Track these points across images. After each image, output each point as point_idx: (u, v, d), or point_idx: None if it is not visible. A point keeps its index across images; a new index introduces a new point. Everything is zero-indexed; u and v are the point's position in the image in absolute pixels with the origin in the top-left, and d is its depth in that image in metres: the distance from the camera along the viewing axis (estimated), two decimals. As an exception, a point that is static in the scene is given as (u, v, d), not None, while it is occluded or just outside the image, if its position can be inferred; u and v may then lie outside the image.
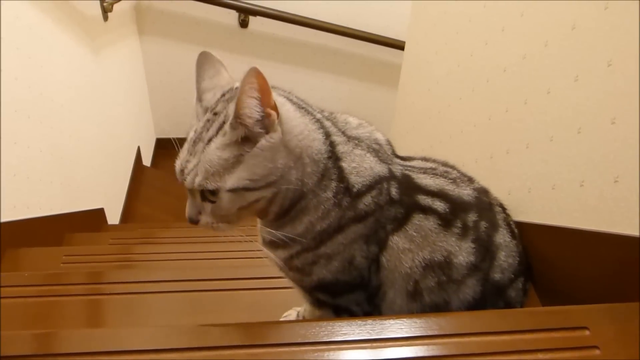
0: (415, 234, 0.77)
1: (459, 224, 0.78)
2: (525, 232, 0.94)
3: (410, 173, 0.81)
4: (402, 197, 0.77)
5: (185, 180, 0.70)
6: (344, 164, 0.74)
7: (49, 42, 1.74)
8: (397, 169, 0.80)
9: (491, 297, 0.82)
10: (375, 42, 3.07)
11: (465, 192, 0.82)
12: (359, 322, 0.71)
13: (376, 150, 0.79)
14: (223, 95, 0.72)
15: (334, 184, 0.73)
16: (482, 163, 1.26)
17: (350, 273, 0.77)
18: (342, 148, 0.75)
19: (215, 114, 0.70)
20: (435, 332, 0.69)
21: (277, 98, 0.70)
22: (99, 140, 2.23)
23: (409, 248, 0.76)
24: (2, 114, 1.38)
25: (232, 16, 2.87)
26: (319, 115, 0.76)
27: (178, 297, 1.10)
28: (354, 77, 3.34)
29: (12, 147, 1.44)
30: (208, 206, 0.72)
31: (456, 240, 0.78)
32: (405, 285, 0.78)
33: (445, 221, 0.78)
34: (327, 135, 0.74)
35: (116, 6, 2.34)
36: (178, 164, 0.71)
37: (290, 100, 0.74)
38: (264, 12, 2.86)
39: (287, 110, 0.71)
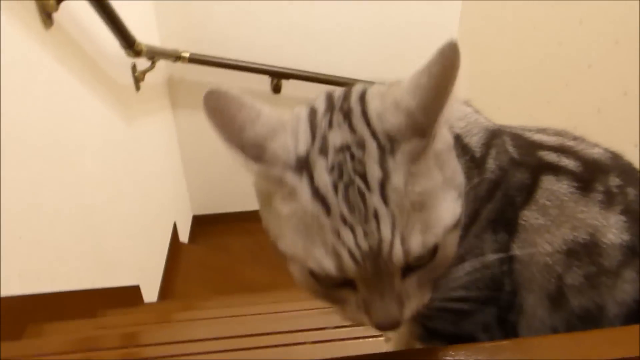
0: (548, 202, 0.56)
1: (600, 188, 0.57)
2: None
3: (516, 131, 0.62)
4: (523, 156, 0.58)
5: (392, 257, 0.42)
6: (457, 130, 0.56)
7: (82, 108, 1.68)
8: (501, 127, 0.61)
9: None
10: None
11: (596, 152, 0.61)
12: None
13: (472, 107, 0.62)
14: (329, 116, 0.47)
15: (462, 161, 0.53)
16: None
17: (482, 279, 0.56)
18: None
19: (346, 148, 0.44)
20: None
21: None
22: (133, 214, 2.10)
23: (544, 225, 0.56)
24: (30, 178, 1.26)
25: (265, 82, 2.82)
26: None
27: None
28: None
29: (38, 212, 1.30)
30: (412, 281, 0.46)
31: (600, 211, 0.57)
32: (547, 285, 0.56)
33: (582, 183, 0.57)
34: None
35: (148, 78, 2.31)
36: (360, 242, 0.42)
37: None
38: (297, 74, 2.79)
39: None
